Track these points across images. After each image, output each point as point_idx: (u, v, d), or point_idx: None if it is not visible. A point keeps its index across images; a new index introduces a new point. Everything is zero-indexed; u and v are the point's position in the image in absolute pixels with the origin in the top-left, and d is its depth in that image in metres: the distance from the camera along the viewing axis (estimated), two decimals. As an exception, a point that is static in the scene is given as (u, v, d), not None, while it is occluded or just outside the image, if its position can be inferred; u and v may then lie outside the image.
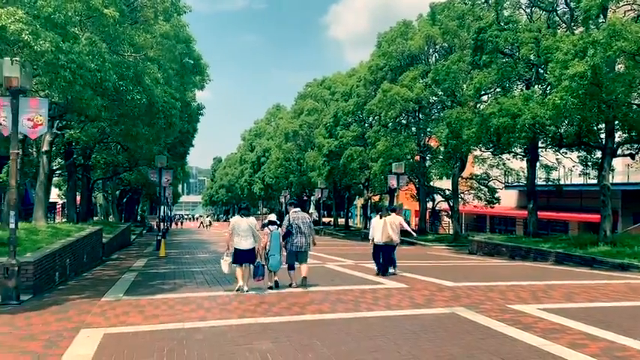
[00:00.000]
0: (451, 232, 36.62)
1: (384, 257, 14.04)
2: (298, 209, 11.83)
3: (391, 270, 14.28)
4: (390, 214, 14.32)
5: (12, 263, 10.03)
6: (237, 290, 11.13)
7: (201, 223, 76.04)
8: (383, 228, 13.97)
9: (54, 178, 31.84)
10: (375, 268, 14.25)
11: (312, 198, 62.17)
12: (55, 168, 24.63)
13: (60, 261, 13.10)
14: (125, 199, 53.31)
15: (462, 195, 34.61)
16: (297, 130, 48.98)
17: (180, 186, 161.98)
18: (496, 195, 33.32)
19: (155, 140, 20.12)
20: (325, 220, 63.77)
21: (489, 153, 28.35)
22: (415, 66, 32.90)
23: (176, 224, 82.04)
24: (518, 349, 6.92)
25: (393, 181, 29.75)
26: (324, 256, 20.38)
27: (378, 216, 14.23)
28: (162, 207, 31.67)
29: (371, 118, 40.46)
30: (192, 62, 24.88)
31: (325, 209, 63.90)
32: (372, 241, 14.10)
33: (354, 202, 64.24)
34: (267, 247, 11.39)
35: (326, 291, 11.32)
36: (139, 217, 69.10)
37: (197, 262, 18.89)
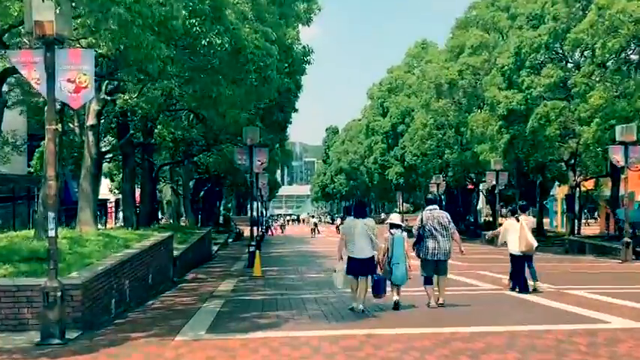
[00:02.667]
0: None
1: (521, 270, 16.31)
2: (434, 207, 13.99)
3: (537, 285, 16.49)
4: (520, 214, 16.59)
5: (53, 287, 10.88)
6: (351, 309, 13.30)
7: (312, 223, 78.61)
8: (520, 233, 15.83)
9: (104, 164, 34.31)
10: (512, 283, 16.54)
11: (480, 186, 60.96)
12: (104, 150, 26.46)
13: (117, 283, 14.06)
14: (202, 193, 56.15)
15: None
16: (456, 80, 48.11)
17: (279, 172, 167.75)
18: None
19: (243, 104, 20.83)
20: (505, 220, 62.20)
21: None
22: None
23: (275, 230, 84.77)
24: None
25: (616, 155, 28.19)
26: (501, 277, 20.00)
27: (514, 218, 16.38)
28: (254, 203, 32.86)
29: (577, 54, 38.58)
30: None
31: (504, 203, 62.18)
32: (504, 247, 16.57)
33: (552, 192, 61.91)
34: (389, 255, 13.48)
35: (511, 332, 11.05)
36: (222, 219, 72.45)
37: (307, 284, 19.35)
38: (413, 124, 61.37)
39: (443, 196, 63.53)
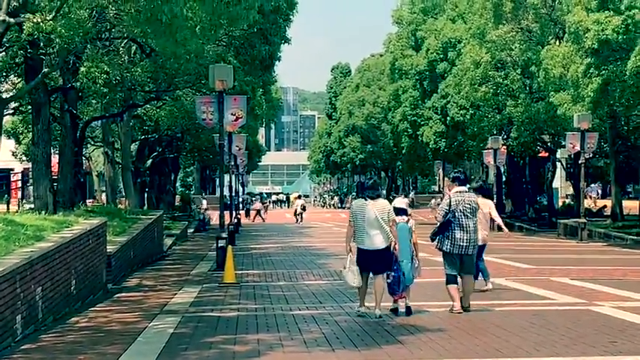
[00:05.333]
0: None
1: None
2: (464, 188, 15.95)
3: (488, 285, 19.13)
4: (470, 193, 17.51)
5: None
6: (360, 316, 15.14)
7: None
8: None
9: (5, 118, 34.18)
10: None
11: (558, 154, 60.79)
12: (6, 97, 26.39)
13: (25, 292, 14.09)
14: (150, 162, 56.10)
15: None
16: (522, -2, 47.93)
17: (262, 131, 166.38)
18: None
19: (209, 32, 20.76)
20: (592, 203, 62.08)
21: None
22: None
23: (256, 213, 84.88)
24: None
25: None
26: (590, 288, 20.22)
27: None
28: (225, 177, 32.92)
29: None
30: None
31: (599, 181, 62.40)
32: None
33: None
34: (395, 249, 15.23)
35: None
36: (178, 199, 72.49)
37: (303, 295, 19.47)
38: (460, 62, 61.12)
39: (502, 168, 63.58)
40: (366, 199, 15.01)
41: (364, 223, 14.79)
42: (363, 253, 14.91)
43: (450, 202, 15.52)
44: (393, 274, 15.00)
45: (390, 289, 15.09)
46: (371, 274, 15.29)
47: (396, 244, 15.02)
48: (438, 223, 15.82)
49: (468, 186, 16.54)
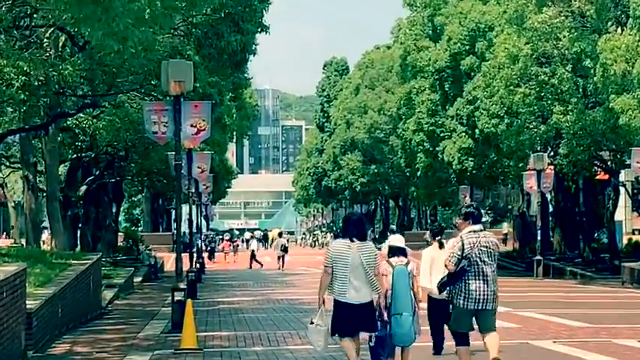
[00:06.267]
0: None
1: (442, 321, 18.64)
2: (478, 226, 15.59)
3: None
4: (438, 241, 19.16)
5: None
6: None
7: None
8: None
9: None
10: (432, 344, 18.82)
11: (621, 176, 60.88)
12: None
13: None
14: (84, 187, 56.03)
15: None
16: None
17: (232, 147, 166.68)
18: None
19: (160, 18, 20.85)
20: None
21: None
22: None
23: (225, 254, 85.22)
24: None
25: None
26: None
27: (435, 243, 19.17)
28: (182, 208, 32.94)
29: None
30: None
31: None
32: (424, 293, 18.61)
33: None
34: (388, 299, 15.61)
35: None
36: (122, 238, 72.48)
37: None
38: (492, 56, 61.34)
39: (549, 195, 63.66)
40: (352, 240, 14.68)
41: (347, 270, 14.52)
42: (344, 309, 14.58)
43: (463, 245, 15.12)
44: (377, 333, 15.17)
45: (375, 350, 15.29)
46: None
47: (380, 297, 15.18)
48: (447, 272, 15.61)
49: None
